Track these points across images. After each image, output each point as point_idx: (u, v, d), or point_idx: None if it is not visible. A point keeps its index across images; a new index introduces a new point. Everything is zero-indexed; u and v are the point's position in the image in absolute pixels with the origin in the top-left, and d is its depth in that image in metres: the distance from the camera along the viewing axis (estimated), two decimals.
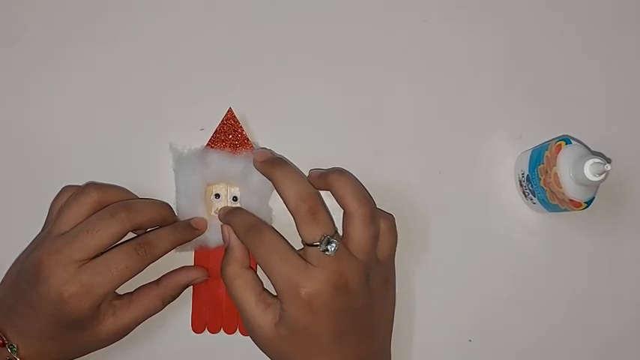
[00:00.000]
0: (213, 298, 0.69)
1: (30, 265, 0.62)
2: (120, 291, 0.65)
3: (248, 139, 0.69)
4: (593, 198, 0.63)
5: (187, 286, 0.68)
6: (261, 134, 0.71)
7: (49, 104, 0.72)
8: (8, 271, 0.67)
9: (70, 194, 0.66)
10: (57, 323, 0.62)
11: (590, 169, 0.60)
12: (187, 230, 0.67)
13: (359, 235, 0.62)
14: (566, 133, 0.70)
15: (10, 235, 0.68)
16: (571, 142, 0.63)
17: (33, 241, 0.67)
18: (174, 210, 0.69)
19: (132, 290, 0.67)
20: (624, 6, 0.74)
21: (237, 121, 0.70)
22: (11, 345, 0.62)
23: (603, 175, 0.60)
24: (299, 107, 0.72)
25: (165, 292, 0.67)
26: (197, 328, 0.70)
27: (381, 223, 0.65)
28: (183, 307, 0.69)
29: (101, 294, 0.62)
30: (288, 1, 0.73)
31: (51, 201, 0.68)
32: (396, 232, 0.67)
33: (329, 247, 0.60)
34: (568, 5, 0.74)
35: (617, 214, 0.72)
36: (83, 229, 0.62)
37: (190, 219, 0.68)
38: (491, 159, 0.72)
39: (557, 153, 0.63)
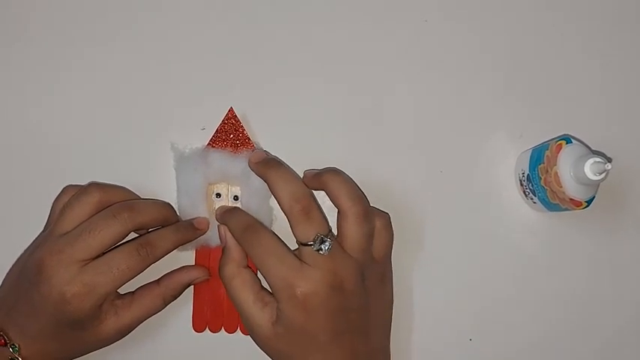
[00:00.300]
0: (214, 298, 0.69)
1: (32, 264, 0.62)
2: (121, 290, 0.64)
3: (249, 139, 0.69)
4: (594, 197, 0.63)
5: (188, 286, 0.69)
6: (262, 134, 0.71)
7: (49, 104, 0.72)
8: (10, 270, 0.67)
9: (72, 194, 0.66)
10: (58, 323, 0.62)
11: (590, 169, 0.60)
12: (189, 230, 0.67)
13: (353, 233, 0.62)
14: (566, 133, 0.70)
15: (11, 235, 0.68)
16: (571, 142, 0.63)
17: (35, 240, 0.67)
18: (175, 210, 0.69)
19: (133, 289, 0.67)
20: (624, 6, 0.74)
21: (239, 120, 0.70)
22: (13, 345, 0.62)
23: (604, 174, 0.60)
24: (299, 107, 0.72)
25: (166, 292, 0.67)
26: (198, 328, 0.70)
27: (376, 221, 0.65)
28: (184, 307, 0.70)
29: (103, 294, 0.62)
30: (288, 1, 0.73)
31: (52, 201, 0.68)
32: (392, 230, 0.67)
33: (322, 246, 0.61)
34: (568, 5, 0.74)
35: (618, 214, 0.72)
36: (85, 229, 0.62)
37: (193, 219, 0.68)
38: (492, 158, 0.72)
39: (558, 152, 0.63)
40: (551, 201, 0.65)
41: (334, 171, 0.66)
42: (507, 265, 0.71)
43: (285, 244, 0.63)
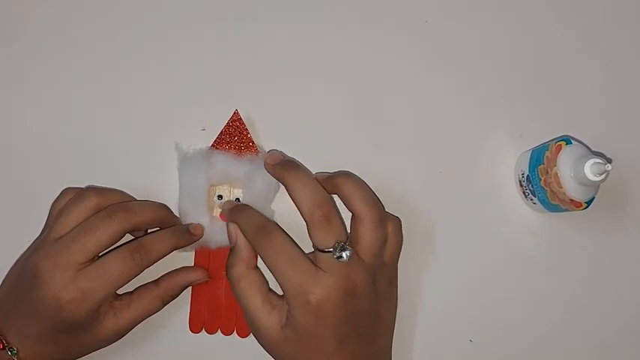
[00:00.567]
0: (212, 299, 0.69)
1: (28, 268, 0.62)
2: (120, 290, 0.64)
3: (253, 142, 0.69)
4: (594, 198, 0.63)
5: (187, 287, 0.68)
6: (263, 134, 0.71)
7: (49, 104, 0.72)
8: (9, 272, 0.66)
9: (71, 196, 0.66)
10: (55, 326, 0.62)
11: (590, 169, 0.60)
12: (185, 235, 0.67)
13: (368, 238, 0.62)
14: (566, 133, 0.70)
15: (11, 235, 0.68)
16: (571, 142, 0.63)
17: (33, 242, 0.67)
18: (174, 210, 0.69)
19: (131, 290, 0.67)
20: (624, 6, 0.74)
21: (243, 123, 0.70)
22: (11, 348, 0.62)
23: (604, 175, 0.60)
24: (299, 107, 0.72)
25: (165, 293, 0.67)
26: (194, 328, 0.69)
27: (388, 225, 0.65)
28: (181, 307, 0.69)
29: (98, 299, 0.62)
30: (288, 1, 0.73)
31: (52, 201, 0.68)
32: (402, 234, 0.67)
33: (344, 254, 0.60)
34: (568, 5, 0.74)
35: (618, 214, 0.72)
36: (81, 230, 0.62)
37: (189, 224, 0.68)
38: (491, 159, 0.72)
39: (558, 153, 0.63)
40: (551, 202, 0.65)
41: (347, 174, 0.65)
42: (507, 266, 0.71)
43: (299, 247, 0.62)
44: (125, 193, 0.68)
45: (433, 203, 0.71)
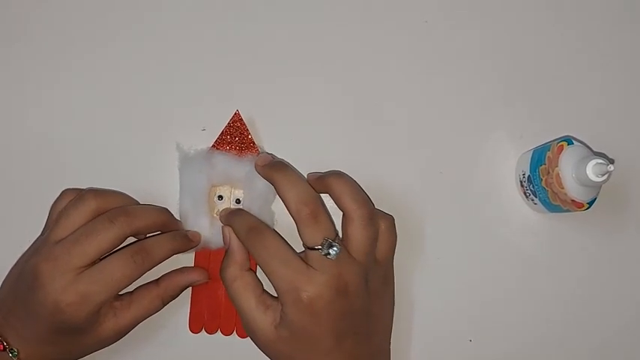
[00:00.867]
0: (211, 299, 0.69)
1: (28, 270, 0.62)
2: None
3: (254, 143, 0.69)
4: (595, 199, 0.63)
5: (187, 287, 0.68)
6: (263, 134, 0.71)
7: (49, 104, 0.72)
8: (9, 273, 0.66)
9: (71, 198, 0.66)
10: (56, 329, 0.62)
11: (592, 170, 0.60)
12: (185, 240, 0.67)
13: (358, 236, 0.62)
14: (567, 134, 0.70)
15: (11, 236, 0.67)
16: (573, 143, 0.63)
17: (33, 244, 0.67)
18: (175, 211, 0.69)
19: (131, 290, 0.67)
20: (624, 6, 0.74)
21: (244, 124, 0.70)
22: (12, 349, 0.62)
23: (606, 175, 0.60)
24: (299, 107, 0.72)
25: (165, 293, 0.67)
26: (194, 328, 0.69)
27: (380, 223, 0.65)
28: (181, 307, 0.69)
29: (98, 302, 0.62)
30: (291, 2, 0.73)
31: (52, 201, 0.67)
32: (396, 232, 0.67)
33: (331, 250, 0.61)
34: (568, 5, 0.74)
35: (619, 215, 0.72)
36: (82, 234, 0.62)
37: (187, 231, 0.68)
38: (492, 159, 0.72)
39: (560, 154, 0.63)
40: (552, 202, 0.65)
41: (338, 173, 0.66)
42: (507, 266, 0.71)
43: (291, 247, 0.63)
44: (125, 194, 0.68)
45: (433, 203, 0.71)
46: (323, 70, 0.72)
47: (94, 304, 0.61)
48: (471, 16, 0.74)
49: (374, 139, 0.72)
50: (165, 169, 0.69)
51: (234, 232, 0.65)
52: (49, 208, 0.67)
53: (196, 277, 0.68)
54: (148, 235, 0.67)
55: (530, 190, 0.68)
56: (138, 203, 0.69)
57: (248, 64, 0.72)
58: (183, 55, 0.72)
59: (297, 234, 0.62)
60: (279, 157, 0.70)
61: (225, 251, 0.66)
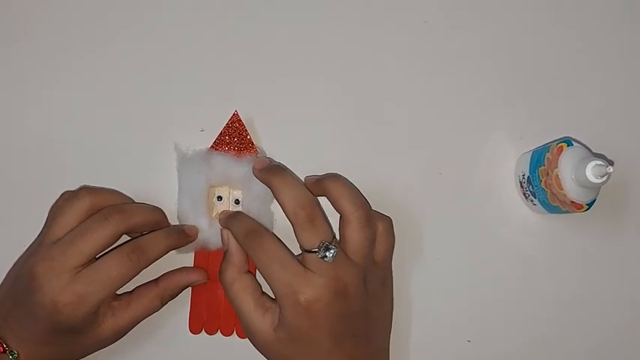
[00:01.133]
0: (211, 300, 0.69)
1: (25, 271, 0.62)
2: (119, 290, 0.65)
3: (253, 143, 0.69)
4: (595, 200, 0.63)
5: (186, 288, 0.68)
6: (262, 135, 0.71)
7: (49, 104, 0.72)
8: (7, 274, 0.66)
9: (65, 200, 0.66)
10: (54, 330, 0.62)
11: (592, 171, 0.60)
12: (181, 235, 0.67)
13: (355, 238, 0.62)
14: (567, 134, 0.70)
15: (11, 236, 0.67)
16: (572, 144, 0.63)
17: (30, 245, 0.67)
18: (174, 212, 0.69)
19: (131, 289, 0.67)
20: (624, 6, 0.74)
21: (243, 124, 0.70)
22: (11, 351, 0.62)
23: (605, 177, 0.60)
24: (299, 107, 0.72)
25: (164, 292, 0.67)
26: (194, 329, 0.69)
27: (378, 225, 0.65)
28: (180, 308, 0.69)
29: (95, 302, 0.62)
30: (288, 3, 0.73)
31: (52, 202, 0.67)
32: (393, 233, 0.67)
33: (327, 253, 0.61)
34: (568, 5, 0.74)
35: (618, 216, 0.72)
36: (77, 234, 0.62)
37: (183, 225, 0.68)
38: (492, 160, 0.72)
39: (559, 155, 0.63)
40: (552, 203, 0.65)
41: (335, 176, 0.66)
42: (507, 267, 0.71)
43: (289, 250, 0.63)
44: (119, 192, 0.68)
45: (432, 204, 0.71)
46: (322, 70, 0.72)
47: (91, 303, 0.61)
48: (471, 16, 0.74)
49: (373, 139, 0.72)
50: (164, 170, 0.69)
51: (233, 234, 0.66)
52: (49, 209, 0.67)
53: (196, 277, 0.68)
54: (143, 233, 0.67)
55: (530, 191, 0.68)
56: (132, 201, 0.69)
57: (247, 65, 0.72)
58: (182, 55, 0.72)
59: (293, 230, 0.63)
60: (278, 157, 0.70)
61: (224, 254, 0.66)
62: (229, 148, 0.69)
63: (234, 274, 0.65)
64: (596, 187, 0.62)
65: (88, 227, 0.63)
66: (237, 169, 0.68)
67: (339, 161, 0.70)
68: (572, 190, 0.62)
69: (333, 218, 0.64)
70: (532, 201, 0.69)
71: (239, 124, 0.70)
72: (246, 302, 0.64)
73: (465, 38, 0.73)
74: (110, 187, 0.68)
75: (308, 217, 0.62)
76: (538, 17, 0.74)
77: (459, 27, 0.74)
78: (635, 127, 0.73)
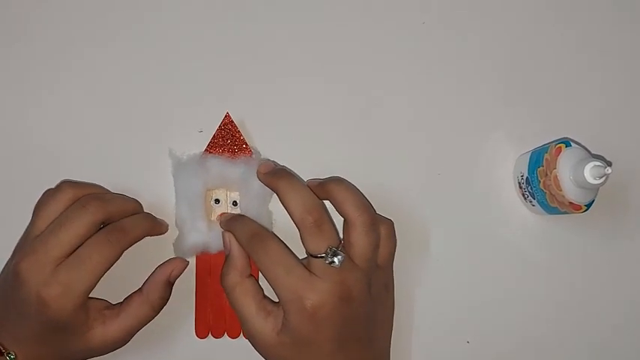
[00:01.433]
0: (216, 303, 0.69)
1: (11, 270, 0.62)
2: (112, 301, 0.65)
3: (246, 144, 0.69)
4: (593, 201, 0.63)
5: (171, 284, 0.67)
6: (261, 136, 0.71)
7: (49, 104, 0.72)
8: None
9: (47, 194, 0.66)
10: (45, 327, 0.61)
11: (590, 172, 0.60)
12: (156, 221, 0.68)
13: (360, 242, 0.62)
14: (565, 135, 0.70)
15: (11, 236, 0.67)
16: (571, 145, 0.63)
17: (17, 245, 0.66)
18: (172, 216, 0.69)
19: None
20: (624, 6, 0.74)
21: (235, 125, 0.70)
22: (9, 353, 0.61)
23: (604, 178, 0.60)
24: (297, 108, 0.72)
25: (150, 296, 0.66)
26: (200, 334, 0.69)
27: (381, 229, 0.65)
28: (186, 313, 0.69)
29: (82, 290, 0.61)
30: (287, 3, 0.73)
31: None
32: (395, 237, 0.67)
33: (335, 259, 0.60)
34: (568, 5, 0.74)
35: (617, 217, 0.72)
36: (57, 224, 0.62)
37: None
38: (491, 161, 0.72)
39: (557, 155, 0.63)
40: (551, 204, 0.65)
41: (338, 179, 0.66)
42: (505, 268, 0.71)
43: (293, 253, 0.63)
44: (100, 186, 0.69)
45: (431, 205, 0.71)
46: (322, 70, 0.72)
47: (77, 292, 0.61)
48: (470, 17, 0.74)
49: (372, 140, 0.72)
50: (162, 171, 0.69)
51: (236, 238, 0.65)
52: None
53: (171, 267, 0.67)
54: None
55: (529, 191, 0.68)
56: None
57: (245, 65, 0.72)
58: (181, 56, 0.72)
59: (297, 234, 0.62)
60: (277, 158, 0.70)
61: (226, 257, 0.66)
62: (223, 151, 0.69)
63: (236, 278, 0.65)
64: (595, 188, 0.62)
65: (67, 217, 0.63)
66: (232, 170, 0.68)
67: (338, 162, 0.70)
68: (571, 191, 0.62)
69: (335, 220, 0.64)
70: (531, 202, 0.69)
71: (231, 126, 0.70)
72: (248, 306, 0.63)
73: (464, 38, 0.73)
74: (115, 192, 0.69)
75: (315, 222, 0.61)
76: (538, 17, 0.74)
77: (458, 28, 0.73)
78: (634, 129, 0.73)
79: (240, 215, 0.68)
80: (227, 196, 0.69)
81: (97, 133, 0.71)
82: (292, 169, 0.68)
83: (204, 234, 0.68)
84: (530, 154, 0.68)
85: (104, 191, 0.68)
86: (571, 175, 0.62)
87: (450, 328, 0.71)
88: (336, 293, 0.60)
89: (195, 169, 0.68)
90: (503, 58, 0.73)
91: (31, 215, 0.66)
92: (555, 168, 0.63)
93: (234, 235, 0.66)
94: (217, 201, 0.69)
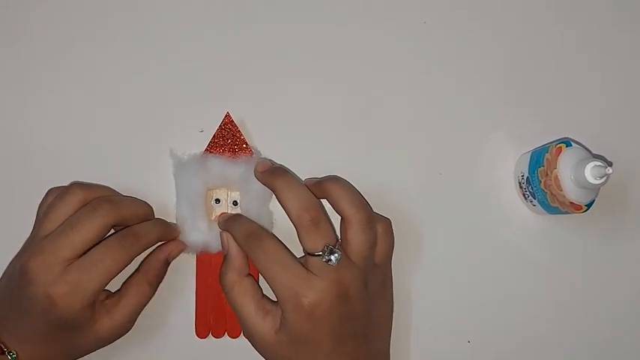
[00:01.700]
0: (216, 303, 0.69)
1: (18, 269, 0.62)
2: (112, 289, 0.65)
3: (247, 144, 0.69)
4: (594, 201, 0.63)
5: (167, 263, 0.68)
6: (260, 136, 0.71)
7: (48, 104, 0.72)
8: (2, 275, 0.66)
9: (56, 195, 0.66)
10: (51, 326, 0.61)
11: (591, 172, 0.60)
12: (169, 227, 0.68)
13: (357, 240, 0.62)
14: (566, 135, 0.70)
15: (11, 236, 0.67)
16: (571, 145, 0.63)
17: (23, 244, 0.66)
18: (172, 216, 0.69)
19: None
20: (624, 6, 0.74)
21: (235, 125, 0.70)
22: (10, 352, 0.61)
23: (604, 178, 0.60)
24: (297, 108, 0.72)
25: (148, 274, 0.66)
26: (201, 333, 0.69)
27: (377, 226, 0.65)
28: (186, 312, 0.69)
29: (91, 291, 0.61)
30: (287, 3, 0.73)
31: None
32: (393, 235, 0.67)
33: (332, 257, 0.61)
34: (568, 5, 0.74)
35: (618, 217, 0.72)
36: (67, 225, 0.62)
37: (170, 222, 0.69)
38: (491, 161, 0.72)
39: (558, 155, 0.63)
40: (551, 204, 0.65)
41: (335, 178, 0.66)
42: (506, 268, 0.71)
43: (290, 252, 0.63)
44: (110, 188, 0.68)
45: (432, 204, 0.71)
46: (322, 70, 0.72)
47: (86, 292, 0.61)
48: (471, 16, 0.74)
49: (372, 139, 0.72)
50: (162, 171, 0.69)
51: (234, 237, 0.65)
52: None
53: (171, 248, 0.67)
54: None
55: (529, 191, 0.68)
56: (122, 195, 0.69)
57: (246, 66, 0.72)
58: (181, 56, 0.72)
59: (295, 234, 0.62)
60: (276, 158, 0.70)
61: (224, 257, 0.66)
62: (224, 150, 0.69)
63: (234, 278, 0.65)
64: (595, 188, 0.62)
65: (78, 219, 0.63)
66: (233, 170, 0.68)
67: (338, 162, 0.70)
68: (571, 191, 0.62)
69: (333, 219, 0.64)
70: (531, 202, 0.69)
71: (232, 125, 0.70)
72: (247, 305, 0.64)
73: (464, 39, 0.73)
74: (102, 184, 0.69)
75: (312, 220, 0.62)
76: (538, 17, 0.74)
77: (459, 28, 0.73)
78: (635, 128, 0.73)
79: (237, 215, 0.68)
80: (228, 196, 0.70)
81: (97, 133, 0.71)
82: (292, 169, 0.69)
83: (204, 233, 0.68)
84: (530, 154, 0.68)
85: (114, 193, 0.68)
86: (572, 175, 0.62)
87: (450, 329, 0.71)
88: (333, 291, 0.61)
89: (195, 169, 0.68)
90: (503, 58, 0.73)
91: (31, 215, 0.67)
92: (556, 168, 0.63)
93: (231, 234, 0.66)
94: (218, 201, 0.69)
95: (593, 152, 0.68)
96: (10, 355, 0.61)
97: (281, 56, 0.72)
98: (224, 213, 0.69)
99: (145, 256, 0.67)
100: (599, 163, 0.60)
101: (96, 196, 0.65)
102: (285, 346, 0.62)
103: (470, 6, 0.73)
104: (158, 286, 0.67)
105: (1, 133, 0.71)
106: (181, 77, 0.72)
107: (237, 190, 0.69)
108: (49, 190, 0.67)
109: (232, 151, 0.69)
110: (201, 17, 0.73)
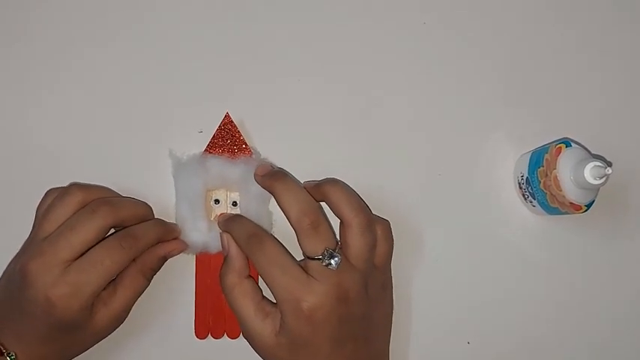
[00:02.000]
0: (216, 304, 0.69)
1: (17, 271, 0.62)
2: None
3: (246, 144, 0.69)
4: (593, 201, 0.63)
5: (165, 259, 0.67)
6: (260, 136, 0.71)
7: (48, 104, 0.72)
8: (1, 277, 0.66)
9: (55, 196, 0.66)
10: (51, 327, 0.61)
11: (590, 173, 0.60)
12: (169, 227, 0.67)
13: (356, 243, 0.62)
14: (566, 135, 0.70)
15: (11, 236, 0.67)
16: (571, 145, 0.63)
17: (22, 246, 0.66)
18: (172, 216, 0.69)
19: None
20: (624, 6, 0.74)
21: (235, 125, 0.70)
22: (10, 353, 0.61)
23: (604, 178, 0.60)
24: (297, 109, 0.72)
25: (143, 267, 0.66)
26: (200, 334, 0.69)
27: (377, 229, 0.65)
28: (186, 313, 0.69)
29: (90, 292, 0.61)
30: (287, 4, 0.73)
31: None
32: (392, 237, 0.67)
33: (332, 261, 0.61)
34: (568, 6, 0.74)
35: (617, 218, 0.72)
36: (66, 227, 0.62)
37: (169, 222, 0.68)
38: (491, 161, 0.72)
39: (558, 156, 0.63)
40: (551, 204, 0.65)
41: (334, 181, 0.66)
42: (506, 269, 0.71)
43: (291, 255, 0.63)
44: (109, 188, 0.68)
45: (432, 205, 0.71)
46: (322, 71, 0.72)
47: (85, 294, 0.61)
48: (471, 17, 0.74)
49: (371, 140, 0.72)
50: (162, 171, 0.70)
51: (234, 238, 0.65)
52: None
53: (172, 247, 0.67)
54: None
55: (529, 192, 0.68)
56: (121, 196, 0.69)
57: (246, 66, 0.72)
58: (181, 56, 0.72)
59: (295, 235, 0.62)
60: (276, 158, 0.70)
61: (224, 258, 0.66)
62: (223, 151, 0.69)
63: (234, 279, 0.65)
64: (595, 189, 0.62)
65: (77, 220, 0.63)
66: (232, 170, 0.68)
67: (338, 162, 0.70)
68: (571, 192, 0.62)
69: (332, 221, 0.64)
70: (531, 202, 0.69)
71: (231, 126, 0.70)
72: (247, 307, 0.64)
73: (464, 39, 0.73)
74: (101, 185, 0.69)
75: (312, 224, 0.62)
76: (538, 17, 0.74)
77: (458, 28, 0.73)
78: (635, 128, 0.73)
79: (237, 215, 0.68)
80: (227, 197, 0.69)
81: (97, 133, 0.71)
82: (292, 170, 0.69)
83: (204, 234, 0.68)
84: (530, 154, 0.68)
85: (113, 194, 0.68)
86: (571, 175, 0.62)
87: (450, 329, 0.71)
88: (333, 295, 0.61)
89: (195, 169, 0.68)
90: (503, 58, 0.73)
91: (30, 215, 0.67)
92: (555, 168, 0.63)
93: (232, 235, 0.66)
94: (217, 201, 0.69)
95: (593, 152, 0.68)
96: (10, 357, 0.61)
97: (281, 56, 0.72)
98: (223, 213, 0.69)
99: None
100: (599, 164, 0.60)
101: (95, 197, 0.65)
102: (284, 349, 0.62)
103: (470, 6, 0.73)
104: (152, 277, 0.67)
105: (1, 133, 0.71)
106: (181, 77, 0.72)
107: (236, 190, 0.69)
108: (48, 191, 0.67)
109: (232, 152, 0.69)
110: (201, 17, 0.73)
